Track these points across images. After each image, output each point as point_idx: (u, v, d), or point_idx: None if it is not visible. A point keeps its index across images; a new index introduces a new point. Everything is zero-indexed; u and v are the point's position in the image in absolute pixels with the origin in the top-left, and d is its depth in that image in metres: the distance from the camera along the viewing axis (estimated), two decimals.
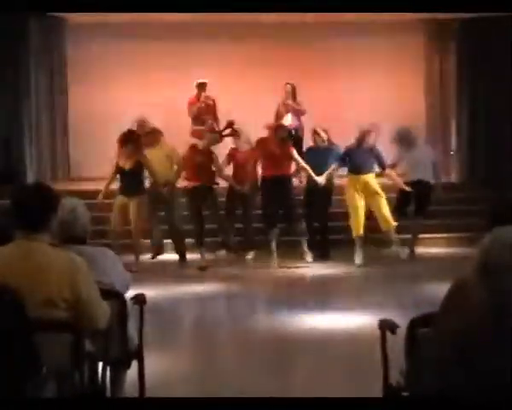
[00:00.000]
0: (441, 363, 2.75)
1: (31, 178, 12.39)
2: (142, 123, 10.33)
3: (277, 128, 10.20)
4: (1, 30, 12.04)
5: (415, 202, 10.01)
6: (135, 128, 10.17)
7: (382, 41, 14.07)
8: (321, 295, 8.58)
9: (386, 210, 9.68)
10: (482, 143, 13.13)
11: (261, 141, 10.05)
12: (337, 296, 8.59)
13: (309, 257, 9.94)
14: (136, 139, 9.63)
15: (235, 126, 10.67)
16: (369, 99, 13.94)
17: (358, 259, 9.74)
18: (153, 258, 10.08)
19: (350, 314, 7.43)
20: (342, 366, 5.95)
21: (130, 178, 9.57)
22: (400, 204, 10.04)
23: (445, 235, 11.25)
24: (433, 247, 10.83)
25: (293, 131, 10.30)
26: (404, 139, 10.02)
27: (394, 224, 9.69)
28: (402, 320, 3.64)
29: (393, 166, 9.98)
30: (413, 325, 3.40)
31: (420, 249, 10.41)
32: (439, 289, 3.07)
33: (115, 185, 9.89)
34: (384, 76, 14.17)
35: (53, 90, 13.59)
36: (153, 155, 9.74)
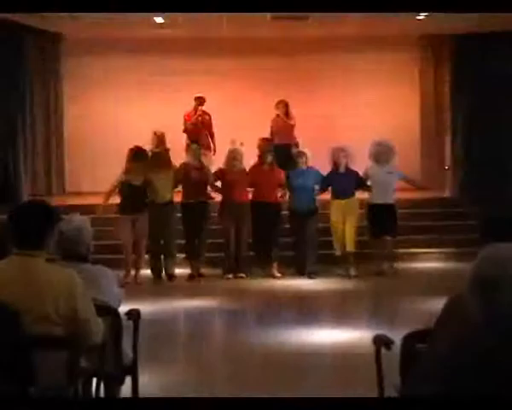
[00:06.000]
0: (437, 378, 2.75)
1: (25, 193, 12.34)
2: (161, 136, 10.21)
3: (263, 154, 10.17)
4: None
5: (387, 224, 9.98)
6: (152, 138, 10.18)
7: (378, 58, 14.08)
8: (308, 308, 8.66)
9: (354, 233, 10.05)
10: (476, 159, 13.15)
11: (251, 169, 10.16)
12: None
13: (277, 273, 10.08)
14: (147, 156, 9.81)
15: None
16: (364, 116, 13.97)
17: (344, 271, 10.07)
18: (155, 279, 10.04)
19: (332, 327, 7.52)
20: (336, 381, 5.94)
21: (138, 195, 9.69)
22: (373, 222, 10.06)
23: (438, 250, 11.24)
24: (426, 262, 10.85)
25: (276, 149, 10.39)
26: (381, 154, 9.98)
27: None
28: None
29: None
30: (408, 340, 3.39)
31: (414, 264, 10.60)
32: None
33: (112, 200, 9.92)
34: (379, 92, 14.19)
35: (48, 105, 13.61)
36: (162, 175, 9.82)
